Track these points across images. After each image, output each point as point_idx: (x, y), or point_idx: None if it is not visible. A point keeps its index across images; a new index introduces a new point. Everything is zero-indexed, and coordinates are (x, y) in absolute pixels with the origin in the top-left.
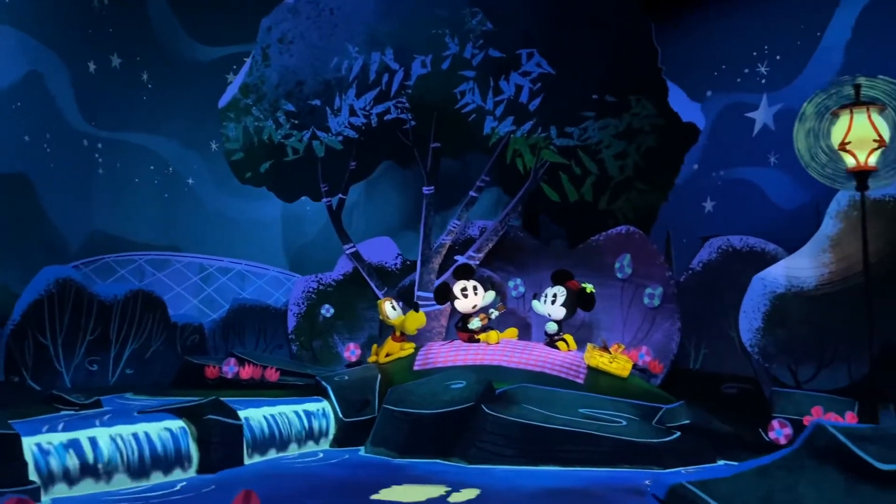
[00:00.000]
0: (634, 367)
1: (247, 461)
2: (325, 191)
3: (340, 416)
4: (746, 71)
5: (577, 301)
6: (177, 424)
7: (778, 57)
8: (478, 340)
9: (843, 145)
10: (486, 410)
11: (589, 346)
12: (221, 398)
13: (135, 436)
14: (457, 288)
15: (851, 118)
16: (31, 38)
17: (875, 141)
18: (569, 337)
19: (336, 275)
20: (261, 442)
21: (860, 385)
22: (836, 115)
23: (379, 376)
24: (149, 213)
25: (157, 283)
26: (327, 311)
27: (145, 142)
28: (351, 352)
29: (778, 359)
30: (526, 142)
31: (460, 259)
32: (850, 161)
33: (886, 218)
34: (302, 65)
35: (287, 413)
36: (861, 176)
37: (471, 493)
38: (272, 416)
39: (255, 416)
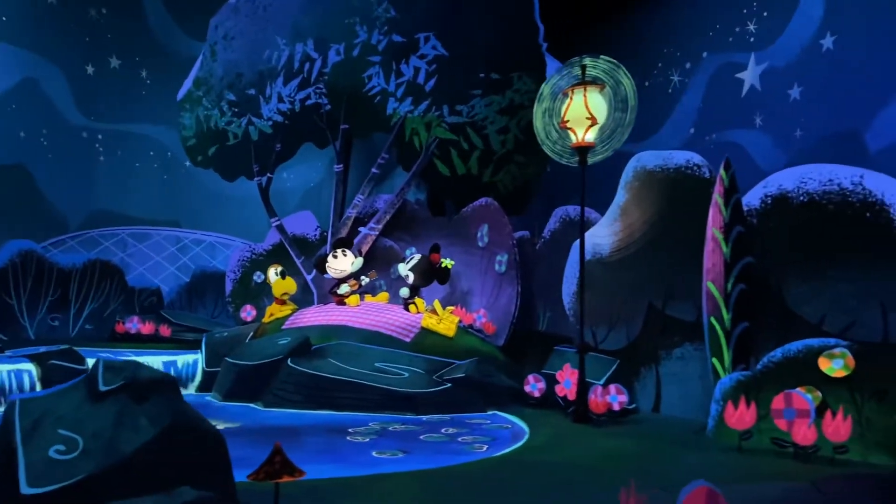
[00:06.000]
0: (471, 327)
1: None
2: (257, 171)
3: (204, 366)
4: (737, 30)
5: (430, 270)
6: (27, 366)
7: (765, 14)
8: (345, 303)
9: (563, 123)
10: (289, 363)
11: (427, 308)
12: (75, 347)
13: None
14: (330, 255)
15: (572, 98)
16: (25, 51)
17: (588, 119)
18: (420, 301)
19: (266, 245)
20: None
21: (634, 344)
22: (566, 95)
23: (251, 333)
24: (149, 192)
25: (137, 254)
26: (258, 277)
27: (147, 131)
28: (247, 312)
29: (585, 321)
30: (422, 120)
31: (363, 230)
32: (573, 138)
33: (658, 187)
34: (241, 58)
35: (152, 362)
36: (581, 151)
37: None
38: None
39: None
